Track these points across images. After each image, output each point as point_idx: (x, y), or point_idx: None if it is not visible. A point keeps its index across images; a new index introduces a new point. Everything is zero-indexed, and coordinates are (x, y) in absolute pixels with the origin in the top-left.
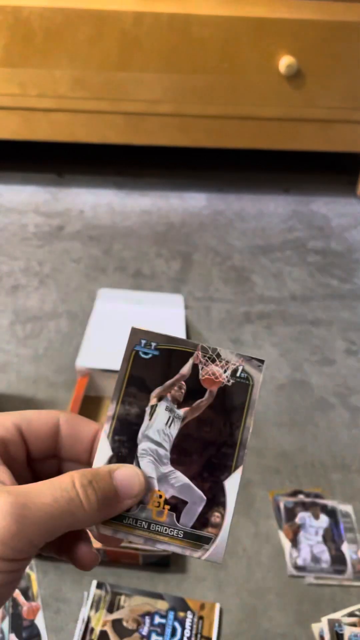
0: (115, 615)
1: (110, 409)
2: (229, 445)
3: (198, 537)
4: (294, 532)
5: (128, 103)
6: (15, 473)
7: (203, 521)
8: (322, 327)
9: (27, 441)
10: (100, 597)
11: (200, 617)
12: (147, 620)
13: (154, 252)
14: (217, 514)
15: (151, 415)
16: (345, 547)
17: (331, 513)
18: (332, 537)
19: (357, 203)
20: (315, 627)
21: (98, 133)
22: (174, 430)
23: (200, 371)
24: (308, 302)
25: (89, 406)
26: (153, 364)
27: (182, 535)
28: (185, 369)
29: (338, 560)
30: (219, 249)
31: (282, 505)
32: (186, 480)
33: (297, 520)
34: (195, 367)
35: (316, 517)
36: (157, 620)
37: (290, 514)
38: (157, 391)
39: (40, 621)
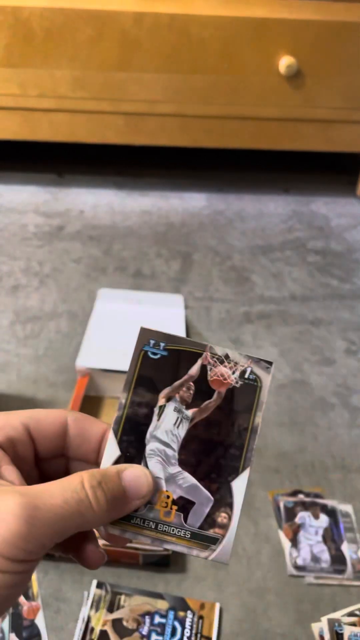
0: (116, 614)
1: (118, 409)
2: (237, 447)
3: (205, 537)
4: (294, 532)
5: (128, 103)
6: (23, 472)
7: (210, 522)
8: (322, 327)
9: (35, 441)
10: (100, 597)
11: (200, 617)
12: (147, 619)
13: (154, 252)
14: (224, 514)
15: (159, 415)
16: (345, 547)
17: (331, 513)
18: (332, 537)
19: (357, 203)
20: (315, 627)
21: (98, 133)
22: (182, 431)
23: (208, 372)
24: (308, 302)
25: (89, 406)
26: (162, 365)
27: (189, 536)
28: (194, 369)
29: (338, 560)
30: (219, 249)
31: (282, 505)
32: (194, 481)
33: (297, 520)
34: (203, 368)
35: (316, 516)
36: (157, 619)
37: (290, 513)
38: (165, 392)
39: (40, 621)
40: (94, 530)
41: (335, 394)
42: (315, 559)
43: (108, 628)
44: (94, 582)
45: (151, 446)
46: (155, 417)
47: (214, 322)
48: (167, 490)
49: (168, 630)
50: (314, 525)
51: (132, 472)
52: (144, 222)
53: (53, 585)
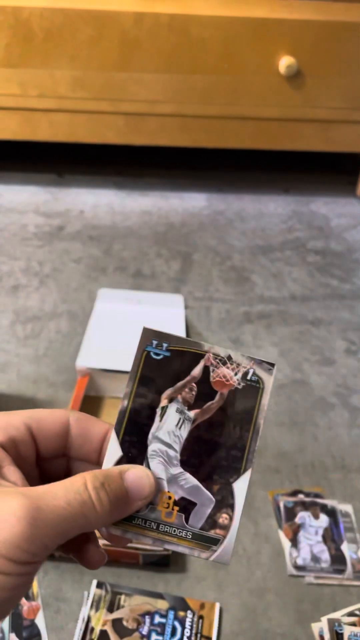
0: (116, 614)
1: (120, 410)
2: (239, 448)
3: (206, 538)
4: (294, 532)
5: (128, 103)
6: (24, 472)
7: (211, 523)
8: (322, 327)
9: (37, 441)
10: (100, 597)
11: (200, 617)
12: (147, 619)
13: (154, 252)
14: (225, 515)
15: (162, 416)
16: (345, 547)
17: (331, 513)
18: (331, 537)
19: (357, 203)
20: (315, 627)
21: (98, 133)
22: (184, 432)
23: (211, 373)
24: (308, 302)
25: (89, 406)
26: (164, 365)
27: (190, 536)
28: (197, 370)
29: (338, 559)
30: (219, 249)
31: (281, 505)
32: (195, 482)
33: (297, 519)
34: (206, 369)
35: (316, 516)
36: (157, 619)
37: (290, 513)
38: (167, 392)
39: (40, 621)
40: (96, 530)
41: (335, 394)
42: (315, 559)
43: (108, 628)
44: (94, 582)
45: (153, 447)
46: (157, 418)
47: (214, 322)
48: (168, 491)
49: (168, 630)
50: (314, 525)
51: (135, 473)
52: (144, 222)
53: (53, 585)
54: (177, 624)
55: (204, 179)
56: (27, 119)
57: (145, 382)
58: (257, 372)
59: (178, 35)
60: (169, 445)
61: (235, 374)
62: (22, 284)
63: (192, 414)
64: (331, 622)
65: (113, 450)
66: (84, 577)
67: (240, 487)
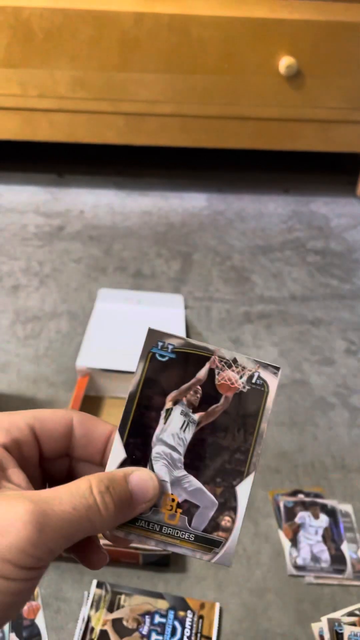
0: (116, 614)
1: (125, 411)
2: (242, 451)
3: (209, 540)
4: (294, 532)
5: (128, 103)
6: (27, 473)
7: (214, 525)
8: (322, 327)
9: (40, 442)
10: (100, 597)
11: (200, 617)
12: (147, 619)
13: (154, 252)
14: (227, 518)
15: (166, 418)
16: (345, 547)
17: (331, 512)
18: (331, 537)
19: (357, 203)
20: (315, 627)
21: (98, 133)
22: (189, 434)
23: (216, 376)
24: (308, 302)
25: (89, 406)
26: (169, 367)
27: (193, 539)
28: (202, 373)
29: (338, 559)
30: (219, 249)
31: (281, 505)
32: (199, 484)
33: (297, 519)
34: (211, 372)
35: (316, 516)
36: (157, 619)
37: (290, 513)
38: (172, 395)
39: (40, 620)
40: None
41: (335, 393)
42: (315, 558)
43: (108, 628)
44: (94, 582)
45: (157, 449)
46: (162, 420)
47: (214, 322)
48: (172, 494)
49: (168, 629)
50: (314, 525)
51: (139, 476)
52: (144, 222)
53: (53, 585)
54: (177, 623)
55: (204, 179)
56: (27, 119)
57: (150, 383)
58: (262, 376)
59: (178, 36)
60: (173, 448)
61: (241, 377)
62: (22, 284)
63: (196, 416)
64: (331, 622)
65: (117, 451)
66: (84, 577)
67: (243, 490)
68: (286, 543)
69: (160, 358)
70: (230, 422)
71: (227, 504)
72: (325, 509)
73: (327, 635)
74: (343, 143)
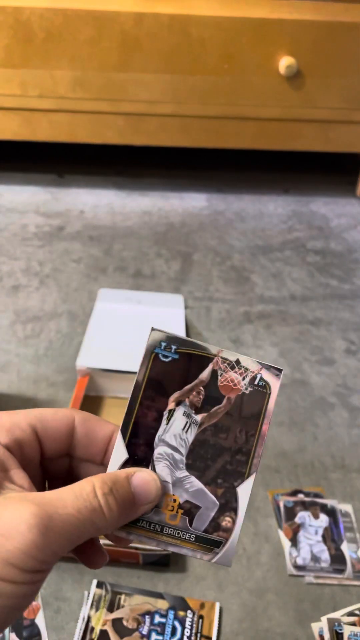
0: (116, 614)
1: (127, 412)
2: (244, 453)
3: (209, 541)
4: (294, 532)
5: (128, 103)
6: (29, 474)
7: (215, 526)
8: (322, 327)
9: (42, 442)
10: (100, 597)
11: (200, 617)
12: (147, 619)
13: (154, 252)
14: (228, 519)
15: (168, 419)
16: (345, 547)
17: (331, 512)
18: (331, 537)
19: (357, 203)
20: (315, 627)
21: (98, 133)
22: (191, 435)
23: (219, 377)
24: (308, 302)
25: (89, 406)
26: (172, 368)
27: (193, 539)
28: (205, 374)
29: (338, 559)
30: (219, 249)
31: (281, 505)
32: (200, 485)
33: (297, 519)
34: (214, 373)
35: (316, 516)
36: (157, 619)
37: (290, 513)
38: (175, 395)
39: (40, 620)
40: None
41: (335, 393)
42: (315, 558)
43: (108, 627)
44: (94, 582)
45: (159, 450)
46: (164, 421)
47: (214, 322)
48: (173, 494)
49: (168, 629)
50: (314, 525)
51: (141, 477)
52: (144, 222)
53: (53, 585)
54: (177, 623)
55: (204, 179)
56: (27, 119)
57: (153, 384)
58: (264, 377)
59: (178, 36)
60: (175, 449)
61: (243, 379)
62: (22, 284)
63: (198, 417)
64: (331, 622)
65: (119, 452)
66: (84, 577)
67: (244, 491)
68: (286, 543)
69: (163, 358)
70: (232, 423)
71: (228, 504)
72: (325, 509)
73: (327, 635)
74: (343, 143)
